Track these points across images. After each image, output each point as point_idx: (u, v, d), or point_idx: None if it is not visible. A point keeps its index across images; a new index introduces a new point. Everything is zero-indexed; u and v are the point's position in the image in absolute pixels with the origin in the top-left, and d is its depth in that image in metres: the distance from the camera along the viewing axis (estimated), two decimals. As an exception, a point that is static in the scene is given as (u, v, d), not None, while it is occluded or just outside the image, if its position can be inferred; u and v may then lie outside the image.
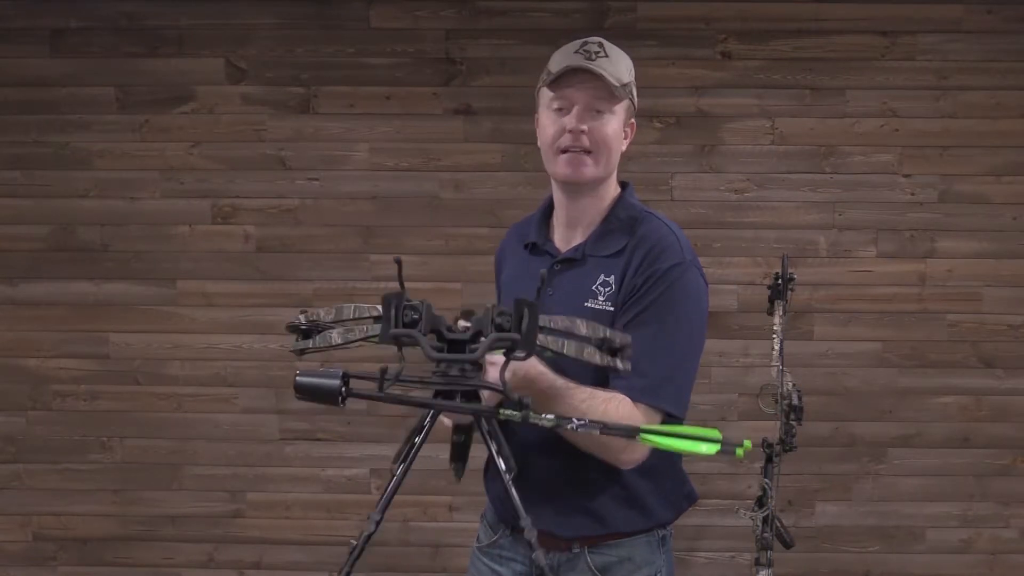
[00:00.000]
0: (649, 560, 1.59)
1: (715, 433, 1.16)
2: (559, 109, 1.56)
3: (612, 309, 1.55)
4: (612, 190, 1.66)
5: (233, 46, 3.01)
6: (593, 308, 1.55)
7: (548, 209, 1.70)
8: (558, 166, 1.57)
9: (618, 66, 1.56)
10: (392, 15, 2.96)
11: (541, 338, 1.20)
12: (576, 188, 1.60)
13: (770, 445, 2.33)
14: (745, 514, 2.39)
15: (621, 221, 1.62)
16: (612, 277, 1.57)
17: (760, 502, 2.35)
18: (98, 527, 3.12)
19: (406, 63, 2.92)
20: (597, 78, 1.51)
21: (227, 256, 3.05)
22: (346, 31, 2.98)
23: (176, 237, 3.05)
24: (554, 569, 1.58)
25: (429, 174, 3.01)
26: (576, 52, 1.54)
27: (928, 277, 2.99)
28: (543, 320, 1.21)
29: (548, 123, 1.58)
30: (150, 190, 3.05)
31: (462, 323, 1.25)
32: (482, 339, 1.17)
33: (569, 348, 1.22)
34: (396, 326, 1.16)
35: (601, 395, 1.45)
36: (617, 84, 1.53)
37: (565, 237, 1.65)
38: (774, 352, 2.32)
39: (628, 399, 1.46)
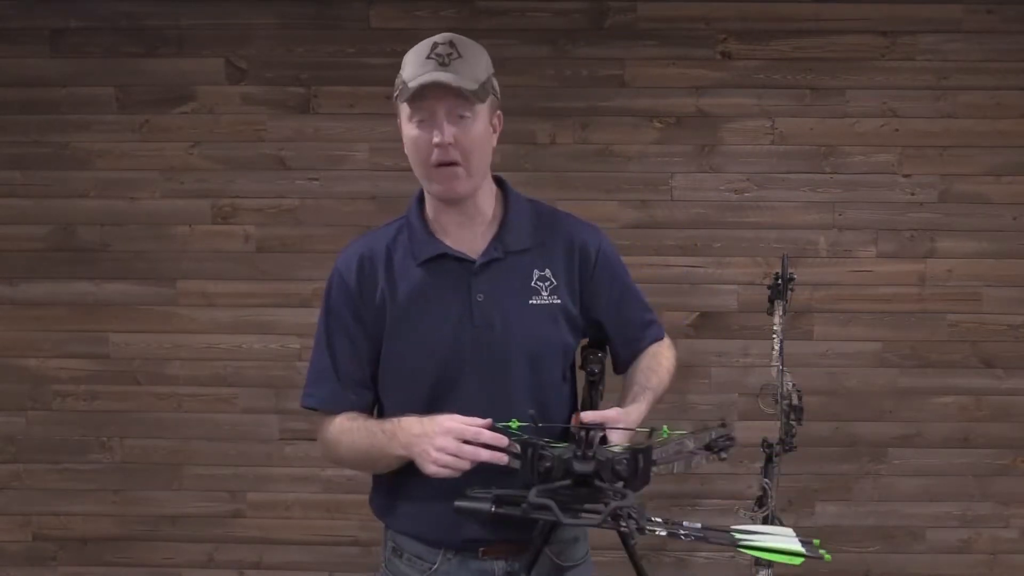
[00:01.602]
0: (584, 536, 1.70)
1: (797, 548, 1.36)
2: (421, 122, 1.48)
3: (559, 302, 1.57)
4: (490, 186, 1.61)
5: (233, 46, 3.01)
6: (538, 304, 1.56)
7: (420, 221, 1.61)
8: (432, 184, 1.53)
9: (474, 66, 1.48)
10: (392, 15, 2.96)
11: (653, 469, 1.40)
12: (455, 200, 1.56)
13: (770, 445, 2.33)
14: (745, 514, 2.39)
15: (522, 214, 1.62)
16: (548, 271, 1.58)
17: (760, 502, 2.35)
18: (98, 527, 3.12)
19: (406, 63, 2.94)
20: (453, 88, 1.45)
21: (227, 256, 3.05)
22: (346, 31, 2.98)
23: (176, 237, 3.05)
24: (516, 573, 1.57)
25: (429, 174, 3.00)
26: (428, 58, 1.45)
27: (928, 277, 3.00)
28: (655, 455, 1.41)
29: (414, 137, 1.50)
30: (150, 190, 3.05)
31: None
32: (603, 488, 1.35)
33: (679, 467, 1.46)
34: (532, 473, 1.38)
35: (647, 373, 1.66)
36: (475, 87, 1.46)
37: (461, 240, 1.59)
38: (774, 352, 2.31)
39: (658, 343, 1.73)
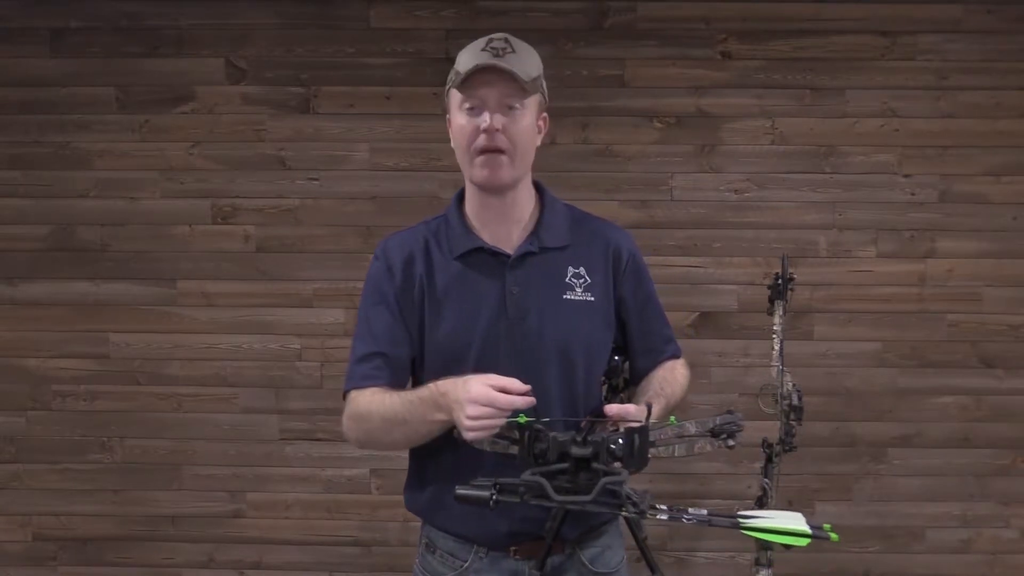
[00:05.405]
0: (619, 543, 1.72)
1: (803, 529, 1.35)
2: (471, 109, 1.52)
3: (592, 299, 1.60)
4: (529, 185, 1.64)
5: (233, 46, 3.01)
6: (572, 300, 1.59)
7: (459, 218, 1.63)
8: (475, 170, 1.54)
9: (526, 61, 1.52)
10: (392, 15, 2.96)
11: (652, 451, 1.41)
12: (497, 191, 1.57)
13: (770, 445, 2.33)
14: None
15: (557, 214, 1.65)
16: (582, 269, 1.61)
17: (760, 502, 2.35)
18: (98, 527, 3.12)
19: (406, 63, 2.93)
20: (506, 74, 1.49)
21: (227, 256, 3.05)
22: (346, 31, 2.98)
23: (176, 237, 3.05)
24: (554, 571, 1.59)
25: (429, 174, 3.01)
26: (483, 50, 1.50)
27: (928, 277, 3.00)
28: (652, 436, 1.42)
29: (462, 124, 1.53)
30: (150, 190, 3.05)
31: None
32: (600, 472, 1.35)
33: (679, 451, 1.49)
34: (528, 455, 1.39)
35: (661, 382, 1.68)
36: (527, 78, 1.50)
37: (498, 236, 1.60)
38: (774, 352, 2.31)
39: (674, 360, 1.76)
